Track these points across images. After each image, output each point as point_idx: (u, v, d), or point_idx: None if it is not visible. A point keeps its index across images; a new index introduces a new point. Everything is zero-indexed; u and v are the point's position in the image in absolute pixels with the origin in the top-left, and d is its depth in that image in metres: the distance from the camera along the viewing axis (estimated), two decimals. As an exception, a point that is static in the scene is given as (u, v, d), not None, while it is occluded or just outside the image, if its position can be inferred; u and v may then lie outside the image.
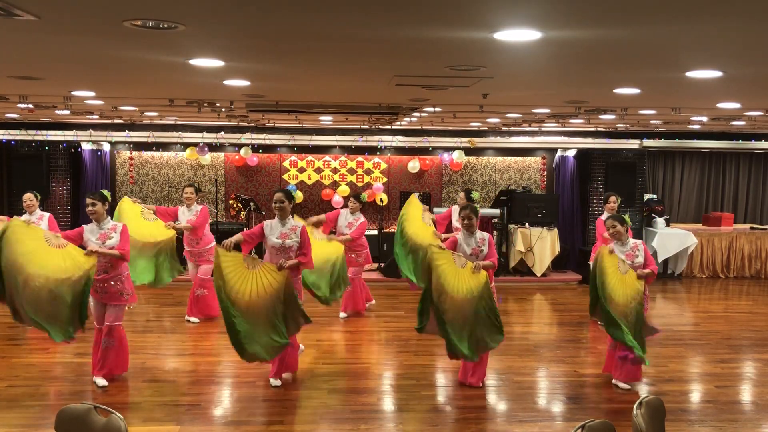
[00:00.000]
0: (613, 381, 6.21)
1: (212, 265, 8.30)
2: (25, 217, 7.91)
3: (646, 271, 6.12)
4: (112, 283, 5.91)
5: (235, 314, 5.59)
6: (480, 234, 6.16)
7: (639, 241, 6.34)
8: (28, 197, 7.89)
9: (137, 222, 7.77)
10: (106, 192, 6.17)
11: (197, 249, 8.29)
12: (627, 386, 6.12)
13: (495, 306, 6.03)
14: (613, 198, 8.47)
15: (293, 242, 6.00)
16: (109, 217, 6.03)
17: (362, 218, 8.63)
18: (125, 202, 7.90)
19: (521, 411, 5.66)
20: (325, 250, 7.63)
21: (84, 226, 6.01)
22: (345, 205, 8.89)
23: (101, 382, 5.97)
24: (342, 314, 8.68)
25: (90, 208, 5.90)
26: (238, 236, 5.88)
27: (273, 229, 6.04)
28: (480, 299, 5.93)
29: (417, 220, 8.31)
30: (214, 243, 8.42)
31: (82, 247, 5.82)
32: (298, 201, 12.85)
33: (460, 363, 6.23)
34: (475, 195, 8.89)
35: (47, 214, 8.01)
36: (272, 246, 6.00)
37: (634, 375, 6.15)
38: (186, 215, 8.34)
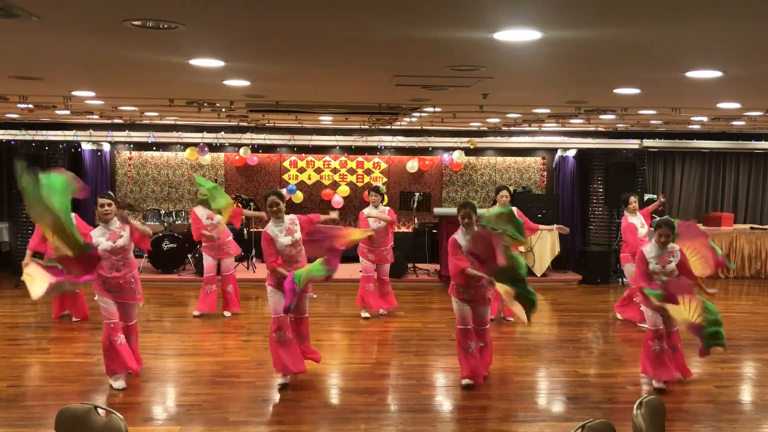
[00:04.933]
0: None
1: (232, 259, 8.49)
2: None
3: (712, 291, 6.18)
4: (125, 282, 6.00)
5: None
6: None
7: (677, 247, 6.12)
8: None
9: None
10: (112, 194, 6.39)
11: (217, 242, 8.47)
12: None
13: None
14: (633, 198, 8.48)
15: (298, 234, 6.12)
16: (115, 218, 6.10)
17: (386, 209, 8.65)
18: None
19: (521, 411, 5.66)
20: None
21: (91, 233, 6.06)
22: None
23: (120, 384, 5.96)
24: (381, 311, 8.81)
25: (106, 208, 5.99)
26: (279, 271, 5.98)
27: (278, 231, 6.10)
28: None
29: None
30: (231, 236, 8.78)
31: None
32: (298, 201, 12.85)
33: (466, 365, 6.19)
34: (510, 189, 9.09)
35: (73, 213, 8.09)
36: (286, 245, 6.05)
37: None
38: (204, 211, 8.58)
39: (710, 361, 7.08)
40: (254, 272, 11.10)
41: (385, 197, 12.85)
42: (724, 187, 13.52)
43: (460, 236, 6.11)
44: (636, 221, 8.43)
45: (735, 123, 9.72)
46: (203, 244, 8.54)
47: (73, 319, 8.31)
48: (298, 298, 5.92)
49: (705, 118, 9.11)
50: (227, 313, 8.63)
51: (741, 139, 12.51)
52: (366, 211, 8.70)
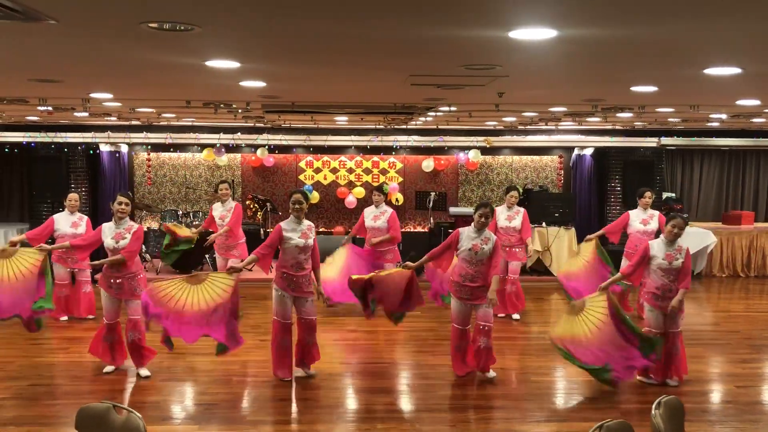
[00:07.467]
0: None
1: (239, 261, 8.52)
2: (65, 214, 8.02)
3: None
4: (124, 281, 6.12)
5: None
6: (487, 233, 6.14)
7: (686, 247, 6.06)
8: (75, 197, 8.11)
9: None
10: (131, 195, 6.58)
11: (227, 243, 8.45)
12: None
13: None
14: (648, 193, 8.33)
15: (312, 240, 6.10)
16: (128, 218, 6.21)
17: (388, 210, 8.62)
18: None
19: (539, 411, 5.64)
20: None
21: (103, 225, 6.27)
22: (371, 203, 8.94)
23: (144, 372, 6.24)
24: None
25: (123, 207, 6.15)
26: (252, 257, 6.08)
27: (293, 230, 6.05)
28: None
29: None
30: (244, 239, 8.65)
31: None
32: (314, 201, 12.89)
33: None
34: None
35: (86, 217, 8.22)
36: (295, 245, 5.99)
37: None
38: (219, 211, 8.50)
39: (731, 361, 7.01)
40: (269, 272, 11.12)
41: (401, 198, 12.86)
42: (744, 185, 13.36)
43: (466, 235, 6.10)
44: (636, 215, 8.31)
45: (755, 120, 9.61)
46: (215, 243, 8.57)
47: (81, 317, 8.31)
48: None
49: (724, 116, 9.01)
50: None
51: (761, 136, 12.36)
52: (368, 210, 8.75)
